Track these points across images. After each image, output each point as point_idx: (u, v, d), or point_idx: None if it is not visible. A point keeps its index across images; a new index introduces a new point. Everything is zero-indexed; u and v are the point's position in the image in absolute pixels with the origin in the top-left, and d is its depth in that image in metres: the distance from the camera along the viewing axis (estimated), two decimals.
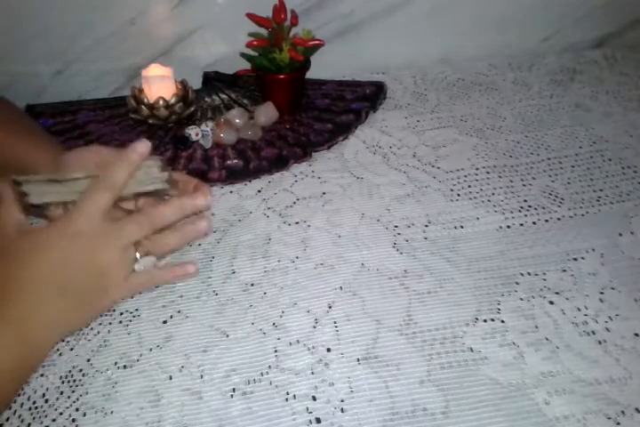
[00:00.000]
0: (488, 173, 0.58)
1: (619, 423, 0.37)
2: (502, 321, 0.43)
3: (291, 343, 0.42)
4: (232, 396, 0.38)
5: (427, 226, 0.52)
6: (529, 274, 0.47)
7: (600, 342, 0.41)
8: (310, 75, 0.64)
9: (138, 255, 0.40)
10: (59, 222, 0.39)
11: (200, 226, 0.43)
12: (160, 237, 0.42)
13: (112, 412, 0.38)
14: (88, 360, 0.41)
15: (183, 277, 0.44)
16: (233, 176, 0.57)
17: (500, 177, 0.57)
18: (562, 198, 0.54)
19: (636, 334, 0.42)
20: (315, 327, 0.43)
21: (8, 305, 0.36)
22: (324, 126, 0.63)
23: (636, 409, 0.37)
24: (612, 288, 0.45)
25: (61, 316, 0.39)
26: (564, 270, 0.47)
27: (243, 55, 0.63)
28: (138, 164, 0.41)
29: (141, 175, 0.42)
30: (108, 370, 0.40)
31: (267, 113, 0.63)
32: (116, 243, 0.39)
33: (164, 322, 0.43)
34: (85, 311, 0.40)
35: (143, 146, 0.41)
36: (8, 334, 0.36)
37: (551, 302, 0.44)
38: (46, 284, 0.37)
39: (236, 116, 0.62)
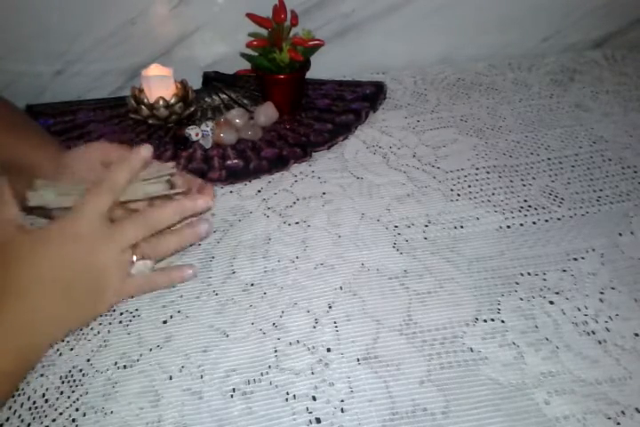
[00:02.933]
0: (488, 173, 0.58)
1: (619, 423, 0.37)
2: (502, 321, 0.43)
3: (291, 343, 0.42)
4: (232, 396, 0.38)
5: (427, 226, 0.52)
6: (529, 274, 0.47)
7: (600, 342, 0.41)
8: (310, 75, 0.64)
9: (134, 258, 0.40)
10: (58, 223, 0.39)
11: (200, 229, 0.43)
12: (159, 240, 0.42)
13: (112, 412, 0.38)
14: (88, 360, 0.41)
15: (181, 280, 0.44)
16: (233, 176, 0.57)
17: (499, 177, 0.57)
18: (562, 198, 0.54)
19: (636, 334, 0.42)
20: (315, 327, 0.43)
21: (4, 305, 0.36)
22: (324, 126, 0.63)
23: (636, 409, 0.37)
24: (612, 288, 0.45)
25: (58, 316, 0.39)
26: (564, 270, 0.47)
27: (243, 55, 0.63)
28: (139, 168, 0.41)
29: (153, 180, 0.43)
30: (108, 370, 0.40)
31: (267, 113, 0.63)
32: (113, 245, 0.39)
33: (164, 322, 0.43)
34: (82, 313, 0.40)
35: (145, 151, 0.41)
36: (5, 335, 0.36)
37: (551, 302, 0.44)
38: (44, 284, 0.37)
39: (236, 116, 0.62)
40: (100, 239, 0.39)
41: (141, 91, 0.62)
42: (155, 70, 0.61)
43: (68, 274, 0.38)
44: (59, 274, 0.38)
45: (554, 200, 0.54)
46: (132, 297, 0.44)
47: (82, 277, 0.38)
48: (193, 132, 0.61)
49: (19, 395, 0.39)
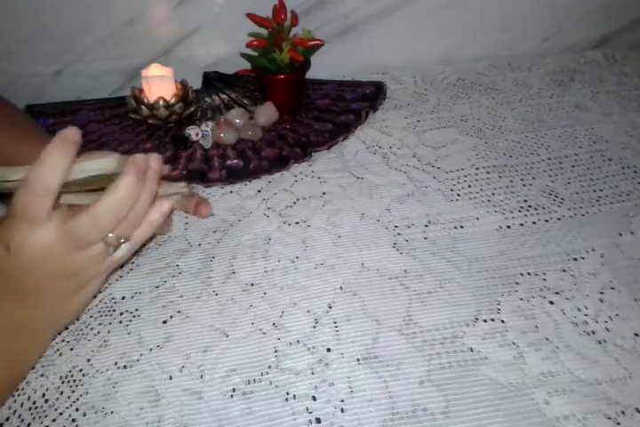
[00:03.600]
0: (488, 173, 0.58)
1: (619, 423, 0.37)
2: (502, 321, 0.43)
3: (291, 343, 0.42)
4: (232, 396, 0.38)
5: (427, 226, 0.52)
6: (529, 274, 0.47)
7: (600, 342, 0.41)
8: (310, 75, 0.64)
9: (110, 250, 0.36)
10: (12, 249, 0.33)
11: (163, 206, 0.37)
12: (129, 219, 0.36)
13: (112, 412, 0.38)
14: (88, 360, 0.41)
15: (160, 220, 0.38)
16: (233, 176, 0.57)
17: (500, 177, 0.57)
18: (562, 198, 0.54)
19: (636, 334, 0.42)
20: (315, 327, 0.43)
21: None
22: (324, 126, 0.63)
23: (636, 409, 0.37)
24: (612, 288, 0.45)
25: (44, 320, 0.37)
26: (564, 270, 0.47)
27: (243, 55, 0.63)
28: (70, 156, 0.33)
29: (95, 178, 0.35)
30: (108, 370, 0.40)
31: (267, 113, 0.63)
32: (76, 246, 0.35)
33: (164, 322, 0.43)
34: (70, 306, 0.38)
35: (72, 132, 0.33)
36: None
37: (551, 302, 0.44)
38: (17, 293, 0.35)
39: (236, 116, 0.62)
40: (62, 248, 0.34)
41: (141, 91, 0.62)
42: (155, 70, 0.61)
43: (41, 284, 0.35)
44: (29, 283, 0.35)
45: (554, 200, 0.54)
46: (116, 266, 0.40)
47: (57, 283, 0.36)
48: (193, 132, 0.61)
49: (19, 395, 0.39)
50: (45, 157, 0.32)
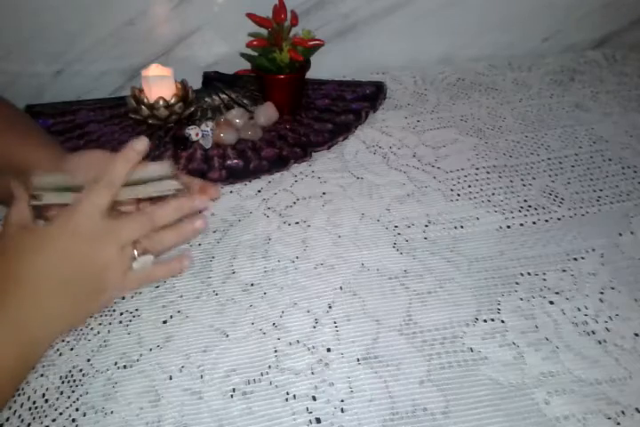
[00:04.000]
0: (488, 173, 0.58)
1: (619, 423, 0.37)
2: (502, 321, 0.43)
3: (291, 343, 0.42)
4: (232, 396, 0.38)
5: (427, 226, 0.52)
6: (529, 274, 0.47)
7: (600, 342, 0.41)
8: (310, 75, 0.64)
9: (136, 253, 0.40)
10: (59, 220, 0.39)
11: (197, 224, 0.44)
12: (159, 235, 0.42)
13: (112, 412, 0.38)
14: (88, 360, 0.41)
15: (179, 270, 0.45)
16: (233, 176, 0.57)
17: (499, 177, 0.57)
18: (562, 198, 0.54)
19: (636, 334, 0.42)
20: (315, 327, 0.43)
21: (6, 302, 0.36)
22: (324, 126, 0.63)
23: (636, 409, 0.37)
24: (612, 288, 0.45)
25: (60, 313, 0.39)
26: (564, 270, 0.47)
27: (243, 55, 0.63)
28: (136, 161, 0.41)
29: (154, 180, 0.43)
30: (108, 370, 0.40)
31: (267, 113, 0.63)
32: (114, 241, 0.39)
33: (164, 322, 0.43)
34: (84, 308, 0.41)
35: (141, 144, 0.41)
36: (7, 331, 0.36)
37: (551, 302, 0.44)
38: (45, 281, 0.38)
39: (236, 116, 0.62)
40: (100, 236, 0.39)
41: (141, 91, 0.62)
42: (155, 70, 0.61)
43: (69, 270, 0.38)
44: (60, 270, 0.38)
45: (554, 200, 0.54)
46: (133, 290, 0.45)
47: (83, 273, 0.39)
48: (193, 132, 0.61)
49: (19, 395, 0.39)
50: (117, 160, 0.40)
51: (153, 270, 0.43)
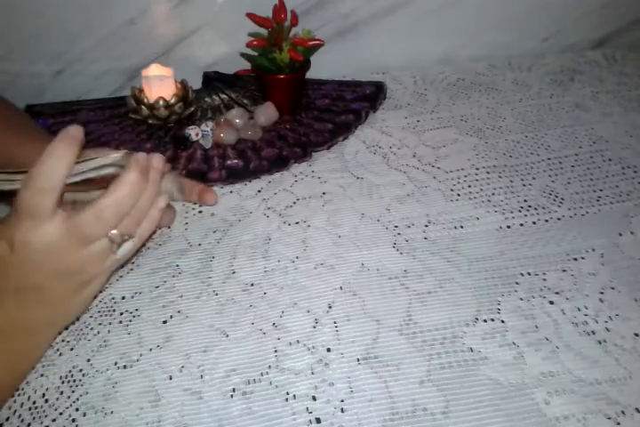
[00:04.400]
0: (488, 173, 0.58)
1: (619, 423, 0.37)
2: (502, 321, 0.43)
3: (291, 343, 0.42)
4: (232, 396, 0.38)
5: (427, 226, 0.52)
6: (529, 274, 0.47)
7: (600, 342, 0.41)
8: (310, 75, 0.64)
9: (114, 248, 0.36)
10: (19, 233, 0.33)
11: (159, 202, 0.38)
12: (131, 217, 0.37)
13: (112, 412, 0.38)
14: (88, 360, 0.41)
15: (160, 215, 0.39)
16: (233, 176, 0.57)
17: (499, 177, 0.57)
18: (562, 198, 0.54)
19: (636, 334, 0.42)
20: (315, 327, 0.43)
21: None
22: (324, 126, 0.63)
23: (636, 409, 0.37)
24: (612, 288, 0.45)
25: (45, 319, 0.37)
26: (564, 270, 0.47)
27: (243, 55, 0.63)
28: (72, 153, 0.33)
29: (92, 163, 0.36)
30: (108, 370, 0.40)
31: (267, 113, 0.63)
32: (80, 242, 0.35)
33: (164, 322, 0.43)
34: (72, 305, 0.38)
35: (74, 130, 0.33)
36: None
37: (551, 302, 0.44)
38: (19, 292, 0.35)
39: (236, 116, 0.62)
40: (67, 244, 0.34)
41: (141, 91, 0.62)
42: (155, 70, 0.61)
43: (44, 282, 0.35)
44: (30, 281, 0.35)
45: (554, 200, 0.54)
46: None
47: (60, 281, 0.35)
48: (193, 132, 0.61)
49: (19, 395, 0.39)
50: (49, 153, 0.32)
51: (139, 238, 0.38)
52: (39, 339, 0.39)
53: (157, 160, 0.37)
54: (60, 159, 0.32)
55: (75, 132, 0.33)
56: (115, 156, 0.36)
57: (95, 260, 0.36)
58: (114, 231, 0.35)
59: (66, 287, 0.36)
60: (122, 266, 0.47)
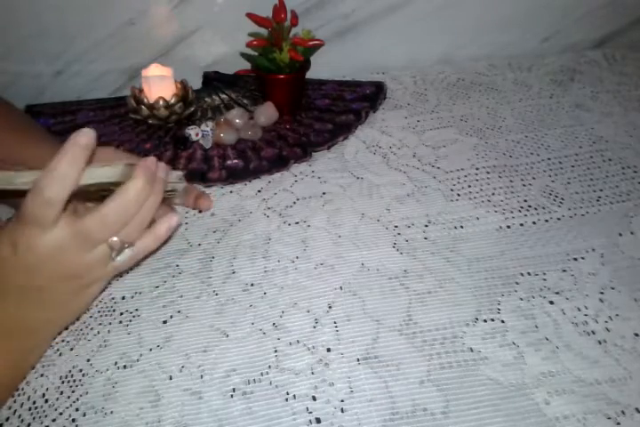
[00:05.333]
0: (488, 173, 0.58)
1: (619, 423, 0.37)
2: (502, 321, 0.43)
3: (291, 343, 0.42)
4: (232, 396, 0.38)
5: (427, 226, 0.52)
6: (529, 274, 0.47)
7: (600, 342, 0.41)
8: (310, 75, 0.64)
9: (114, 255, 0.36)
10: (21, 236, 0.33)
11: (172, 220, 0.38)
12: (132, 224, 0.36)
13: (112, 412, 0.38)
14: (88, 360, 0.41)
15: (167, 232, 0.38)
16: (233, 176, 0.57)
17: (499, 177, 0.57)
18: (562, 198, 0.54)
19: (636, 334, 0.42)
20: (315, 327, 0.43)
21: None
22: (324, 126, 0.63)
23: (636, 409, 0.37)
24: (612, 288, 0.45)
25: (45, 320, 0.37)
26: (564, 270, 0.47)
27: (243, 55, 0.63)
28: (83, 159, 0.32)
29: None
30: (107, 370, 0.40)
31: (267, 113, 0.63)
32: (84, 246, 0.35)
33: (164, 322, 0.43)
34: (71, 307, 0.38)
35: (84, 136, 0.32)
36: None
37: (551, 302, 0.44)
38: (20, 293, 0.35)
39: (236, 116, 0.62)
40: (70, 249, 0.34)
41: (141, 91, 0.62)
42: (155, 70, 0.61)
43: (45, 284, 0.35)
44: (32, 282, 0.35)
45: (554, 200, 0.54)
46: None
47: (61, 284, 0.36)
48: (193, 132, 0.61)
49: (19, 395, 0.39)
50: (57, 164, 0.31)
51: (138, 248, 0.38)
52: (39, 339, 0.39)
53: (162, 171, 0.37)
54: (67, 172, 0.31)
55: (85, 140, 0.32)
56: (116, 168, 0.35)
57: (95, 265, 0.36)
58: (114, 238, 0.35)
59: (67, 290, 0.36)
60: (120, 275, 0.47)
